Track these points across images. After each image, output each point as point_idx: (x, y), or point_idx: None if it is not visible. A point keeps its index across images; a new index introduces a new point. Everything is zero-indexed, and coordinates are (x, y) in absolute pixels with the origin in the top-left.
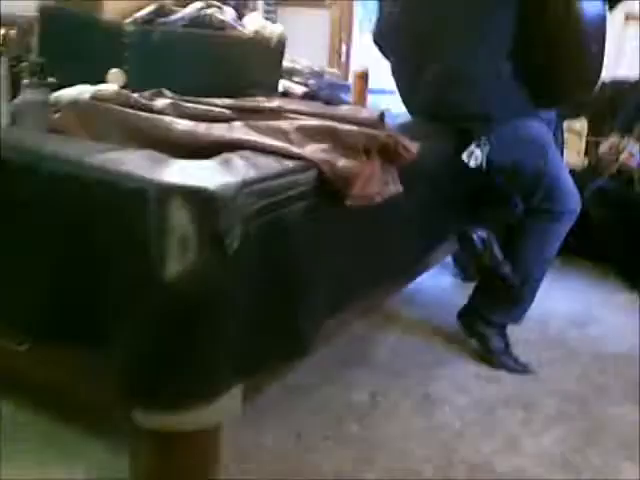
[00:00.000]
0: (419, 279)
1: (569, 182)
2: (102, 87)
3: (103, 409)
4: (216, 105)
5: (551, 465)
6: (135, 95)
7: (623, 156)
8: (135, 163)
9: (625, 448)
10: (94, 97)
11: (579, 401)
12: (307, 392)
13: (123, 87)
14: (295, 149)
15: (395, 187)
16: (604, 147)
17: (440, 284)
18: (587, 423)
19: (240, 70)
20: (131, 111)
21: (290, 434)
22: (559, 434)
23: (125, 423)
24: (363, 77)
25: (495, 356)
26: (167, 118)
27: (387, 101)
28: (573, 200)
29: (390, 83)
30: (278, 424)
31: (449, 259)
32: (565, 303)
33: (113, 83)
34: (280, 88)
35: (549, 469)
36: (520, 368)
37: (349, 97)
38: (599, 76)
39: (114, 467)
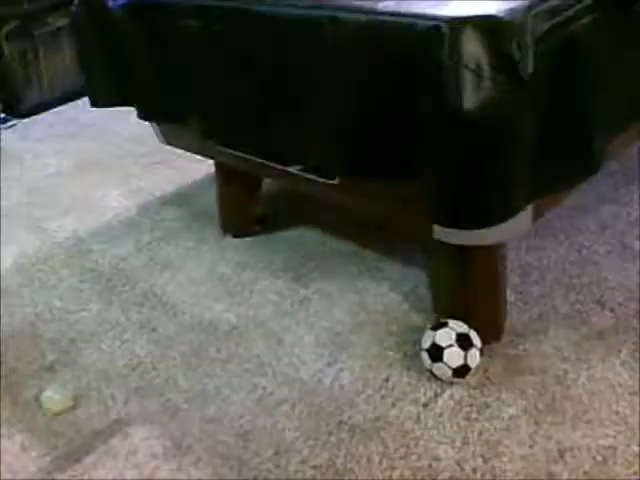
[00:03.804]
0: None
1: None
2: None
3: (406, 230)
4: None
5: None
6: None
7: None
8: (421, 4)
9: None
10: None
11: None
12: (588, 211)
13: None
14: None
15: None
16: None
17: None
18: None
19: None
20: None
21: (572, 249)
22: None
23: (426, 242)
24: None
25: None
26: None
27: None
28: None
29: None
30: (560, 241)
31: None
32: None
33: None
34: None
35: None
36: None
37: None
38: None
39: (411, 279)
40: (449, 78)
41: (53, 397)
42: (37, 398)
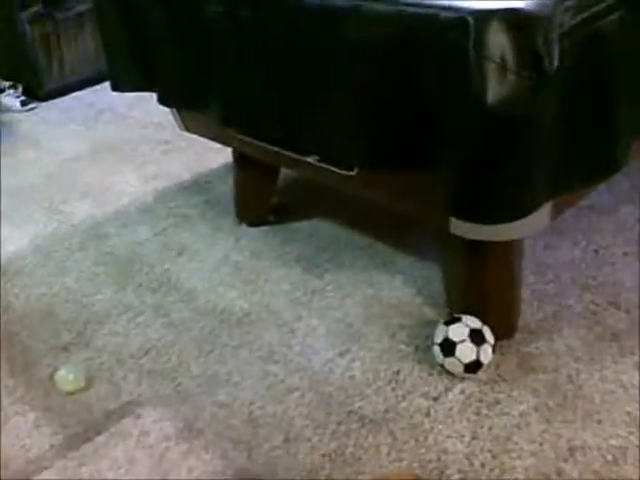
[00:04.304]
0: None
1: None
2: None
3: (421, 224)
4: None
5: None
6: None
7: None
8: None
9: None
10: None
11: None
12: (606, 212)
13: None
14: None
15: None
16: None
17: None
18: None
19: None
20: None
21: (588, 249)
22: None
23: (441, 236)
24: None
25: None
26: None
27: None
28: None
29: None
30: (577, 240)
31: None
32: None
33: None
34: None
35: None
36: None
37: None
38: None
39: (425, 273)
40: (473, 71)
41: (67, 376)
42: (51, 377)
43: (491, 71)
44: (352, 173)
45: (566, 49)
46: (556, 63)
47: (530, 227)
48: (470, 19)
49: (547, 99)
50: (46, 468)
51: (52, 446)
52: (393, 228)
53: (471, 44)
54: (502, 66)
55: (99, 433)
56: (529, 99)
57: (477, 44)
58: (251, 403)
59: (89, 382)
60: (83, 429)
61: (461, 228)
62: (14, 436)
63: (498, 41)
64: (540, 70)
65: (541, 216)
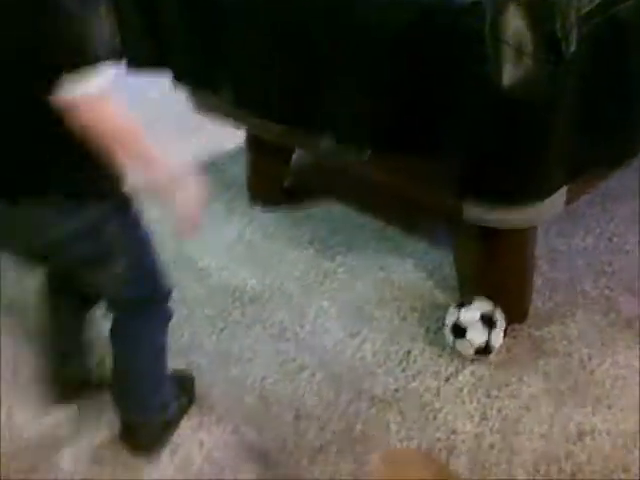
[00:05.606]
0: None
1: None
2: None
3: (435, 209)
4: None
5: None
6: None
7: None
8: None
9: None
10: None
11: None
12: (620, 200)
13: None
14: None
15: None
16: None
17: None
18: None
19: None
20: None
21: (602, 237)
22: None
23: (453, 221)
24: None
25: None
26: None
27: None
28: None
29: None
30: (591, 228)
31: None
32: None
33: None
34: None
35: None
36: None
37: None
38: None
39: (436, 257)
40: (489, 54)
41: None
42: None
43: (507, 55)
44: (365, 156)
45: (584, 33)
46: (574, 47)
47: (545, 211)
48: (487, 2)
49: (564, 83)
50: (61, 437)
51: (68, 417)
52: (405, 212)
53: (487, 28)
54: (519, 50)
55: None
56: (546, 83)
57: (493, 28)
58: (262, 380)
59: (102, 358)
60: (98, 403)
61: (475, 214)
62: (31, 405)
63: (515, 24)
64: (557, 54)
65: (556, 201)
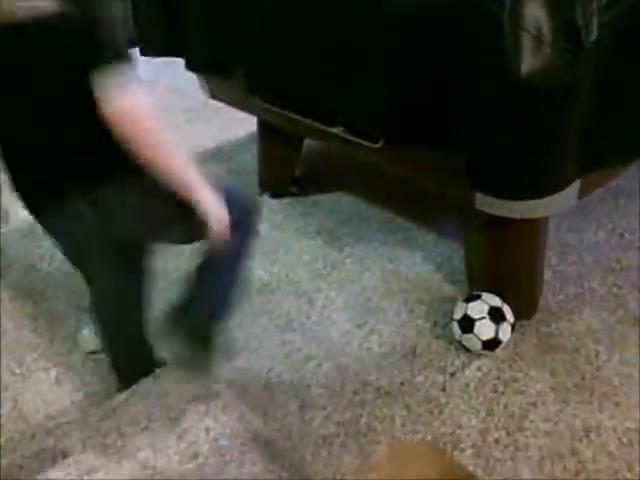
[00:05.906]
0: None
1: None
2: None
3: (446, 200)
4: None
5: None
6: None
7: None
8: None
9: None
10: None
11: None
12: (633, 196)
13: None
14: None
15: None
16: None
17: None
18: None
19: None
20: None
21: (614, 233)
22: None
23: (464, 213)
24: None
25: None
26: None
27: None
28: None
29: None
30: (602, 223)
31: None
32: None
33: None
34: None
35: None
36: None
37: None
38: None
39: (445, 250)
40: (508, 42)
41: (89, 336)
42: (74, 336)
43: (526, 42)
44: (377, 145)
45: (605, 22)
46: (594, 36)
47: (558, 204)
48: None
49: (583, 73)
50: (67, 423)
51: (73, 403)
52: (414, 204)
53: (506, 15)
54: (538, 38)
55: (119, 392)
56: (564, 72)
57: (512, 14)
58: (268, 370)
59: None
60: (104, 387)
61: (487, 204)
62: (35, 391)
63: (534, 12)
64: (577, 43)
65: (569, 194)
